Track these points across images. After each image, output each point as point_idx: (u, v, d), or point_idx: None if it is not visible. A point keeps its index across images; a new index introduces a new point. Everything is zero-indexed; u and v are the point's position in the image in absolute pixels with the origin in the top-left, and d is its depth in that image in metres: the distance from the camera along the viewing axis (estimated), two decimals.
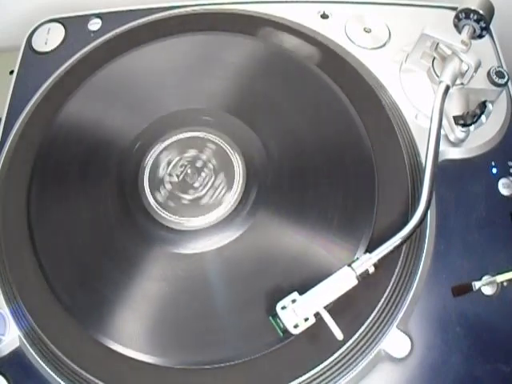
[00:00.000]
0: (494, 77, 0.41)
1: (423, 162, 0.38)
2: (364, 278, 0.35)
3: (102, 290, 0.38)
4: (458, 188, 0.41)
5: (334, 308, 0.35)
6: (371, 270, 0.35)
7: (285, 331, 0.34)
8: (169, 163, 0.43)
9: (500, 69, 0.42)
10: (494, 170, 0.41)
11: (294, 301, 0.34)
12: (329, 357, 0.35)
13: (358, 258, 0.36)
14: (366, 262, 0.35)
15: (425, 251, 0.38)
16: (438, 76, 0.43)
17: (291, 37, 0.48)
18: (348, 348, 0.35)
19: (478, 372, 0.35)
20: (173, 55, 0.48)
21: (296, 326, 0.34)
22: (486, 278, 0.37)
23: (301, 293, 0.35)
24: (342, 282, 0.35)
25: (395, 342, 0.36)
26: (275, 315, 0.34)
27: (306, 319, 0.34)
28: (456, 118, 0.41)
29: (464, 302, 0.37)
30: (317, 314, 0.34)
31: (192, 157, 0.43)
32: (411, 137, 0.42)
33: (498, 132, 0.43)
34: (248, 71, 0.46)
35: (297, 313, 0.34)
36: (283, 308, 0.34)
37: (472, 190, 0.41)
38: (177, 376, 0.35)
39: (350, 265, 0.35)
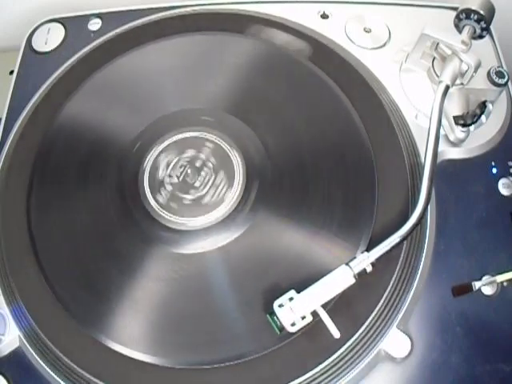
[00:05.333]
0: (494, 77, 0.41)
1: (423, 161, 0.38)
2: (362, 276, 0.35)
3: (102, 290, 0.38)
4: (458, 188, 0.41)
5: (335, 308, 0.35)
6: (369, 268, 0.35)
7: (282, 329, 0.34)
8: (169, 163, 0.43)
9: (500, 69, 0.42)
10: (494, 170, 0.41)
11: (291, 299, 0.34)
12: (329, 357, 0.35)
13: (356, 257, 0.36)
14: (364, 260, 0.35)
15: (425, 251, 0.38)
16: (437, 76, 0.43)
17: (291, 37, 0.48)
18: (348, 348, 0.35)
19: (478, 372, 0.35)
20: (173, 55, 0.48)
21: (293, 324, 0.34)
22: (486, 278, 0.37)
23: (298, 291, 0.35)
24: (339, 280, 0.35)
25: (395, 341, 0.36)
26: (272, 313, 0.34)
27: (303, 317, 0.34)
28: (456, 118, 0.41)
29: (464, 302, 0.37)
30: (314, 313, 0.34)
31: (192, 157, 0.43)
32: (411, 137, 0.43)
33: (498, 132, 0.43)
34: (248, 71, 0.46)
35: (294, 311, 0.34)
36: (280, 306, 0.34)
37: (472, 189, 0.41)
38: (177, 376, 0.35)
39: (347, 263, 0.35)
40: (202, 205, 0.41)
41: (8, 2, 0.60)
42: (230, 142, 0.43)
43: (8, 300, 0.39)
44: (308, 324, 0.34)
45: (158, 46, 0.48)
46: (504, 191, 0.41)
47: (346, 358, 0.35)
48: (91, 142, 0.44)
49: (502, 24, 0.46)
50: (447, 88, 0.40)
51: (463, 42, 0.40)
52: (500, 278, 0.37)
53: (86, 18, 0.52)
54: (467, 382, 0.35)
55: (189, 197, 0.41)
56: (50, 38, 0.51)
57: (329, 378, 0.35)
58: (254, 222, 0.39)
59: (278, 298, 0.35)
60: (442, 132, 0.41)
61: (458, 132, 0.41)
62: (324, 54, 0.47)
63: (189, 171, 0.42)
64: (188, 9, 0.51)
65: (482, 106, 0.43)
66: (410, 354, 0.36)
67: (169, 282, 0.38)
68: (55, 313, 0.38)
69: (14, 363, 0.37)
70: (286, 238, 0.39)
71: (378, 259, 0.35)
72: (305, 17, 0.49)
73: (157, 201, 0.41)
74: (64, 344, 0.37)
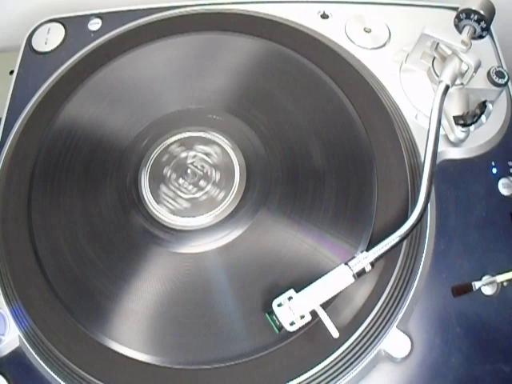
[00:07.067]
0: (494, 77, 0.41)
1: (423, 161, 0.38)
2: (361, 276, 0.35)
3: (102, 290, 0.38)
4: (458, 188, 0.41)
5: (335, 307, 0.35)
6: (368, 268, 0.35)
7: (281, 328, 0.34)
8: (169, 163, 0.43)
9: (500, 69, 0.42)
10: (494, 170, 0.41)
11: (290, 298, 0.34)
12: (329, 357, 0.35)
13: (355, 257, 0.36)
14: (363, 260, 0.35)
15: (425, 251, 0.38)
16: (437, 76, 0.43)
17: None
18: (348, 348, 0.35)
19: (478, 372, 0.35)
20: (173, 55, 0.48)
21: (292, 324, 0.34)
22: (486, 278, 0.37)
23: (297, 290, 0.35)
24: (338, 280, 0.35)
25: (395, 341, 0.36)
26: (271, 312, 0.34)
27: (302, 316, 0.34)
28: (456, 118, 0.41)
29: (464, 302, 0.37)
30: (313, 312, 0.34)
31: (192, 157, 0.43)
32: (411, 137, 0.43)
33: (498, 132, 0.43)
34: (248, 71, 0.46)
35: (293, 310, 0.34)
36: (279, 305, 0.34)
37: (472, 189, 0.41)
38: (177, 376, 0.35)
39: (346, 263, 0.35)
40: (202, 205, 0.41)
41: (8, 2, 0.60)
42: (231, 141, 0.43)
43: (8, 300, 0.39)
44: (307, 323, 0.34)
45: (157, 45, 0.48)
46: (504, 191, 0.41)
47: (346, 358, 0.35)
48: (91, 142, 0.44)
49: (502, 24, 0.46)
50: (447, 88, 0.40)
51: (463, 42, 0.40)
52: (500, 278, 0.37)
53: (86, 17, 0.52)
54: (467, 382, 0.35)
55: (189, 197, 0.41)
56: (50, 38, 0.51)
57: (329, 378, 0.35)
58: (254, 221, 0.39)
59: (277, 297, 0.35)
60: (442, 132, 0.41)
61: (458, 132, 0.41)
62: (324, 54, 0.47)
63: (189, 171, 0.42)
64: (188, 9, 0.51)
65: (482, 105, 0.43)
66: (410, 353, 0.36)
67: (168, 281, 0.38)
68: (55, 313, 0.38)
69: (14, 363, 0.37)
70: (286, 237, 0.39)
71: (378, 259, 0.35)
72: (305, 17, 0.49)
73: (157, 201, 0.41)
74: (64, 344, 0.37)
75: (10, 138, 0.46)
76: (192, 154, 0.43)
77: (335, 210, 0.39)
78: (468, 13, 0.41)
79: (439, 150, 0.39)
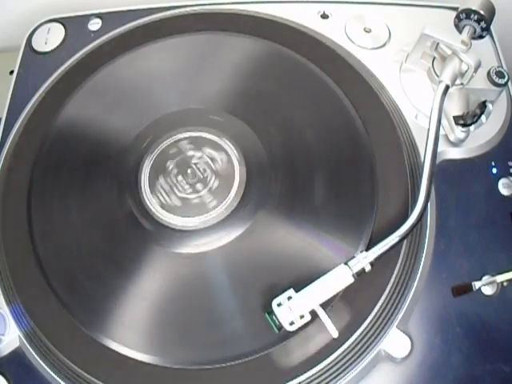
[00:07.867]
0: (494, 77, 0.41)
1: (423, 161, 0.38)
2: (361, 276, 0.35)
3: (102, 290, 0.38)
4: (458, 188, 0.41)
5: (335, 307, 0.35)
6: (368, 268, 0.35)
7: (280, 328, 0.34)
8: (169, 163, 0.43)
9: (500, 69, 0.42)
10: (494, 170, 0.41)
11: (289, 298, 0.34)
12: (328, 357, 0.35)
13: (354, 256, 0.36)
14: (363, 260, 0.35)
15: (425, 251, 0.38)
16: (437, 76, 0.43)
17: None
18: (348, 348, 0.35)
19: (478, 372, 0.35)
20: (173, 55, 0.48)
21: (292, 323, 0.34)
22: (486, 278, 0.37)
23: (297, 290, 0.35)
24: (338, 279, 0.35)
25: (395, 341, 0.36)
26: (271, 312, 0.34)
27: (302, 316, 0.34)
28: (456, 118, 0.41)
29: (464, 302, 0.37)
30: (313, 312, 0.34)
31: (192, 156, 0.43)
32: (411, 137, 0.43)
33: (498, 132, 0.43)
34: (248, 71, 0.46)
35: (292, 310, 0.34)
36: (279, 305, 0.34)
37: (472, 189, 0.41)
38: (176, 376, 0.35)
39: (346, 263, 0.35)
40: (202, 205, 0.41)
41: (8, 2, 0.60)
42: (231, 142, 0.43)
43: (8, 300, 0.39)
44: (307, 323, 0.34)
45: (158, 45, 0.48)
46: (504, 191, 0.41)
47: (346, 358, 0.35)
48: (91, 142, 0.44)
49: (502, 24, 0.46)
50: (447, 88, 0.40)
51: (463, 42, 0.40)
52: (500, 278, 0.37)
53: (86, 17, 0.52)
54: (467, 382, 0.35)
55: (189, 197, 0.41)
56: (50, 38, 0.51)
57: (329, 378, 0.35)
58: (254, 221, 0.39)
59: (276, 297, 0.35)
60: (442, 132, 0.41)
61: (458, 132, 0.41)
62: (324, 54, 0.47)
63: (189, 171, 0.42)
64: (188, 9, 0.51)
65: (482, 105, 0.43)
66: (409, 353, 0.36)
67: (168, 281, 0.38)
68: (55, 313, 0.38)
69: (14, 363, 0.37)
70: (285, 237, 0.39)
71: (377, 259, 0.35)
72: (305, 17, 0.49)
73: (157, 200, 0.41)
74: (64, 344, 0.37)
75: (10, 138, 0.46)
76: (192, 153, 0.43)
77: (335, 210, 0.39)
78: (468, 13, 0.41)
79: (439, 149, 0.39)
